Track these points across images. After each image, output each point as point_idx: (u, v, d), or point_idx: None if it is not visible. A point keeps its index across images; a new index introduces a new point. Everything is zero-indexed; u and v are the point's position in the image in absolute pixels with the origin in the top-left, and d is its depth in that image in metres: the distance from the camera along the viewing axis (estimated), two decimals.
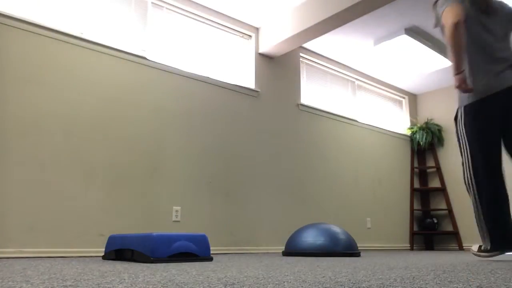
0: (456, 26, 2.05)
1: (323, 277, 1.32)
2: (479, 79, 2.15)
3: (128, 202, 3.21)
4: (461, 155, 2.22)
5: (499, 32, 2.22)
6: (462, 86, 2.10)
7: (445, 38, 2.16)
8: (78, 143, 3.03)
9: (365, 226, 5.06)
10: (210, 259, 2.33)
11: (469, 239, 5.42)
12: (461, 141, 2.20)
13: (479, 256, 2.22)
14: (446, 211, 5.66)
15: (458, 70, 2.09)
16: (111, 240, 2.45)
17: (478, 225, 2.15)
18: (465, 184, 2.20)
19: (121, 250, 2.35)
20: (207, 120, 3.83)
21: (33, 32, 2.95)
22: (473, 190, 2.15)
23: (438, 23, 2.26)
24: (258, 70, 4.35)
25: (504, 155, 2.22)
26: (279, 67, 4.55)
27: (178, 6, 3.84)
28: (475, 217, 2.16)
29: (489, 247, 2.13)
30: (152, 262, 2.04)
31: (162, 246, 2.12)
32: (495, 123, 2.15)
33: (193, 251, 2.25)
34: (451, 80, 5.73)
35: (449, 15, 2.08)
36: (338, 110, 5.12)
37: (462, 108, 2.20)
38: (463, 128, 2.18)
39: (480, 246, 2.23)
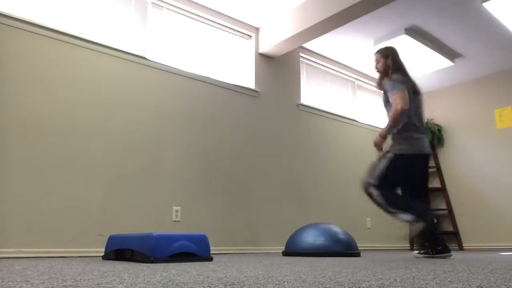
0: (403, 112, 2.74)
1: (323, 277, 1.32)
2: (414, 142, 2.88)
3: (128, 202, 3.21)
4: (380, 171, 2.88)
5: (421, 108, 3.04)
6: (378, 146, 2.86)
7: (389, 113, 2.83)
8: (78, 143, 3.03)
9: (365, 226, 5.05)
10: (210, 259, 2.33)
11: (469, 239, 5.42)
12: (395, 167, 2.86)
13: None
14: (446, 211, 5.65)
15: (384, 137, 2.83)
16: (111, 240, 2.45)
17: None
18: None
19: (121, 250, 2.36)
20: (207, 120, 3.83)
21: (33, 32, 2.95)
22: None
23: (386, 98, 2.95)
24: (258, 70, 4.35)
25: None
26: (279, 67, 4.55)
27: (178, 6, 3.84)
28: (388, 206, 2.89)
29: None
30: (152, 262, 2.04)
31: (162, 246, 2.12)
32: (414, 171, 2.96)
33: (193, 251, 2.25)
34: (451, 80, 5.74)
35: (400, 101, 2.74)
36: (338, 110, 5.12)
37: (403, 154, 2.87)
38: (398, 162, 2.86)
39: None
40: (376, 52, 3.10)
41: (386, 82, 2.90)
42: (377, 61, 3.08)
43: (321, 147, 4.75)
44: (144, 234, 2.22)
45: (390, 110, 2.86)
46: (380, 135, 2.83)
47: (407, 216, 2.74)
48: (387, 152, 2.88)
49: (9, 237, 2.65)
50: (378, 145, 2.85)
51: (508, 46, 4.78)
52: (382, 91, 3.01)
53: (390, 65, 3.00)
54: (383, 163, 2.84)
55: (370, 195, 2.92)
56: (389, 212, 2.85)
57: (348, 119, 5.16)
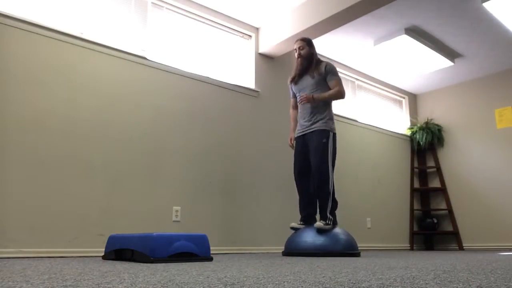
0: (343, 95, 3.30)
1: (323, 277, 1.32)
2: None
3: (128, 202, 3.21)
4: (327, 157, 3.18)
5: None
6: (309, 101, 3.24)
7: (333, 92, 3.25)
8: (78, 143, 3.03)
9: (365, 226, 5.06)
10: (210, 259, 2.33)
11: (469, 239, 5.42)
12: (330, 149, 3.21)
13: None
14: (446, 211, 5.66)
15: (320, 99, 3.25)
16: (111, 240, 2.45)
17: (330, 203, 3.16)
18: (325, 176, 3.16)
19: (121, 250, 2.35)
20: (207, 120, 3.83)
21: (33, 32, 2.95)
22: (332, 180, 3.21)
23: (320, 80, 3.31)
24: (258, 70, 4.35)
25: None
26: (279, 67, 4.55)
27: (178, 6, 3.84)
28: (331, 196, 3.16)
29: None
30: (152, 262, 2.04)
31: (162, 246, 2.12)
32: None
33: (193, 251, 2.25)
34: (451, 80, 5.74)
35: (342, 86, 3.30)
36: (338, 110, 5.12)
37: (334, 132, 3.29)
38: (333, 144, 3.25)
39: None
40: (300, 40, 3.36)
41: (328, 66, 3.28)
42: (301, 47, 3.33)
43: None
44: (144, 234, 2.22)
45: (323, 91, 3.26)
46: (314, 98, 3.21)
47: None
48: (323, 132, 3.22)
49: (9, 237, 2.65)
50: (308, 100, 3.21)
51: (508, 46, 4.78)
52: (314, 75, 3.29)
53: (314, 53, 3.36)
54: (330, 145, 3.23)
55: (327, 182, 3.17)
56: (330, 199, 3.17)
57: (348, 119, 5.16)
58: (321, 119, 3.25)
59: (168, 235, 2.19)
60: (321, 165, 3.15)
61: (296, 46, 3.36)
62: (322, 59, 3.53)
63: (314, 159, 3.19)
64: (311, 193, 3.29)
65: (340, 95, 3.27)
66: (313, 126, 3.26)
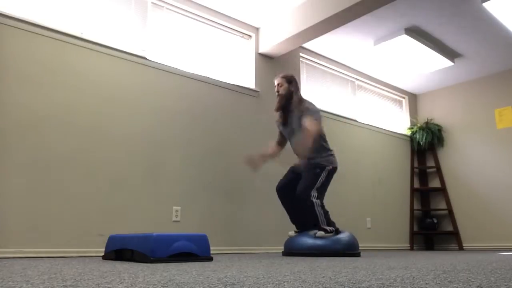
0: (316, 135, 3.04)
1: (323, 277, 1.32)
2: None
3: (128, 202, 3.21)
4: (313, 185, 3.09)
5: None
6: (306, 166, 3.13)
7: (300, 135, 3.12)
8: (78, 143, 3.03)
9: (365, 226, 5.05)
10: (210, 259, 2.32)
11: (469, 239, 5.42)
12: (321, 180, 3.11)
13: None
14: (446, 211, 5.65)
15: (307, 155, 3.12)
16: (111, 240, 2.45)
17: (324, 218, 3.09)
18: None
19: (121, 250, 2.35)
20: (207, 120, 3.83)
21: (33, 32, 2.94)
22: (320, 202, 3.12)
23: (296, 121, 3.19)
24: (258, 70, 4.34)
25: None
26: (279, 67, 4.55)
27: (178, 6, 3.84)
28: (323, 216, 3.08)
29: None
30: (152, 262, 2.04)
31: (162, 246, 2.12)
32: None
33: (193, 251, 2.25)
34: (451, 80, 5.74)
35: (318, 127, 3.07)
36: (338, 110, 5.12)
37: (333, 166, 3.21)
38: (327, 177, 3.17)
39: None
40: (279, 77, 3.26)
41: (306, 107, 3.15)
42: (280, 85, 3.22)
43: None
44: (144, 234, 2.22)
45: (301, 132, 3.11)
46: (307, 156, 3.11)
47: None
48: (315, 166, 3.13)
49: (9, 237, 2.65)
50: (305, 167, 3.14)
51: (508, 46, 4.78)
52: (297, 116, 3.16)
53: (293, 91, 3.22)
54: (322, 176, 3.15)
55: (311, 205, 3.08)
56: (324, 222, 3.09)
57: (348, 119, 5.16)
58: (319, 157, 3.15)
59: (168, 235, 2.19)
60: (304, 191, 3.05)
61: (275, 83, 3.27)
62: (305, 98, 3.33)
63: (299, 186, 3.09)
64: (295, 204, 3.21)
65: (310, 134, 2.99)
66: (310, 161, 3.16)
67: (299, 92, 3.30)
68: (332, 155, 3.22)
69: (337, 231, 3.10)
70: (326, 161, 3.16)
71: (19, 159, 2.77)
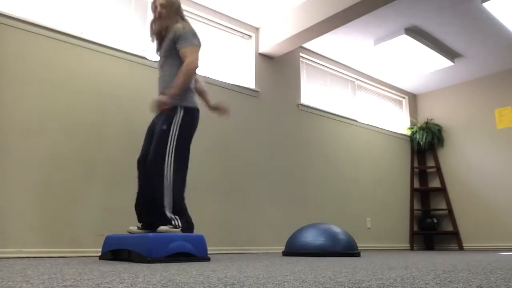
0: (195, 70, 2.42)
1: (323, 277, 1.32)
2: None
3: (128, 202, 3.20)
4: (165, 149, 2.43)
5: None
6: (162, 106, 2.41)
7: (172, 63, 2.47)
8: (78, 142, 3.03)
9: (365, 226, 5.06)
10: (207, 259, 2.32)
11: (469, 239, 5.42)
12: (173, 137, 2.47)
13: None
14: (446, 211, 5.66)
15: (178, 94, 2.40)
16: (108, 240, 2.43)
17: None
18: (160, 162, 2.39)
19: (117, 251, 2.35)
20: (207, 120, 3.83)
21: (33, 32, 2.94)
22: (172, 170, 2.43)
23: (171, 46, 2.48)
24: (258, 70, 4.35)
25: None
26: (279, 67, 4.55)
27: None
28: (169, 191, 2.36)
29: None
30: (149, 262, 2.03)
31: (159, 247, 2.11)
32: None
33: (190, 251, 2.25)
34: (451, 80, 5.74)
35: (197, 57, 2.40)
36: (338, 110, 5.12)
37: (189, 106, 2.48)
38: (186, 127, 2.52)
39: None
40: None
41: (180, 28, 2.45)
42: (162, 5, 2.55)
43: (321, 147, 4.75)
44: (141, 234, 2.21)
45: (176, 61, 2.46)
46: (169, 96, 2.39)
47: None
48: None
49: (9, 237, 2.65)
50: (162, 105, 2.41)
51: (508, 46, 4.78)
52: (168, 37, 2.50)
53: (176, 13, 2.58)
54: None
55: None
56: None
57: (348, 119, 5.16)
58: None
59: (165, 236, 2.18)
60: (155, 159, 2.40)
61: (157, 2, 2.60)
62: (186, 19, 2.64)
63: (151, 149, 2.46)
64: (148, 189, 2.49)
65: (191, 73, 2.40)
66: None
67: (183, 14, 2.65)
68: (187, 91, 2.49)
69: (190, 229, 2.41)
70: (187, 101, 2.47)
71: (19, 158, 2.76)
